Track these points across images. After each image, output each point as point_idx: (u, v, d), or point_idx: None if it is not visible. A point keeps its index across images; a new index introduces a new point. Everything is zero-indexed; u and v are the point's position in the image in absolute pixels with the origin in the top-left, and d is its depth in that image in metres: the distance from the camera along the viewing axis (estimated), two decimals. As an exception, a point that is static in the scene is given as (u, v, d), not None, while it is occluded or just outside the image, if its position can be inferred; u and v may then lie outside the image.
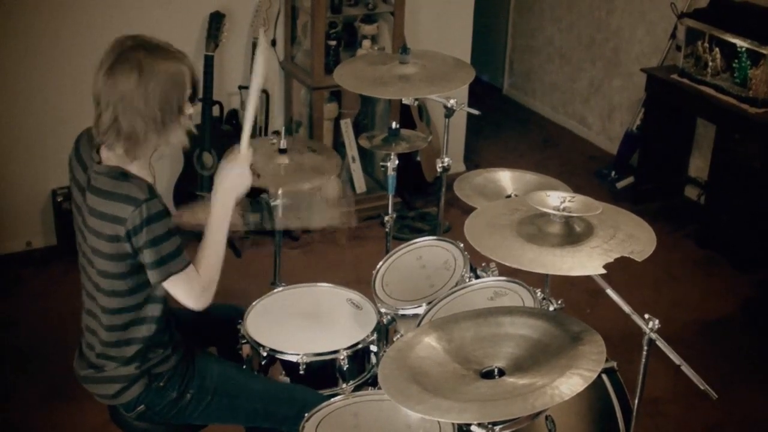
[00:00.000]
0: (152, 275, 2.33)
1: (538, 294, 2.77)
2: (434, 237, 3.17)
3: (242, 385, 2.61)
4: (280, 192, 3.15)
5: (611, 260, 2.12)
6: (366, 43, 4.85)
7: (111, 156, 2.34)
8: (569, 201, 2.26)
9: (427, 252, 3.11)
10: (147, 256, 2.29)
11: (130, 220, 2.24)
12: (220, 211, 2.44)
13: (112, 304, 2.39)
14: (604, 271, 2.09)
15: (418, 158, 5.22)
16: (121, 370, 2.46)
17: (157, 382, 2.49)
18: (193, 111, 2.39)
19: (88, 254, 2.39)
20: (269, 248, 3.68)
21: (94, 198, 2.31)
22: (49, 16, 4.34)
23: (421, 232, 4.78)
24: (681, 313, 4.32)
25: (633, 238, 2.23)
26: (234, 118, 4.82)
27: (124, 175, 2.31)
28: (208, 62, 4.49)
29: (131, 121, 2.25)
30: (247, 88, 4.64)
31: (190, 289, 2.37)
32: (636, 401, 2.28)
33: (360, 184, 5.08)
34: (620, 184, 5.53)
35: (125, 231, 2.26)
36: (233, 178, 2.45)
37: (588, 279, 2.17)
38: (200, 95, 2.42)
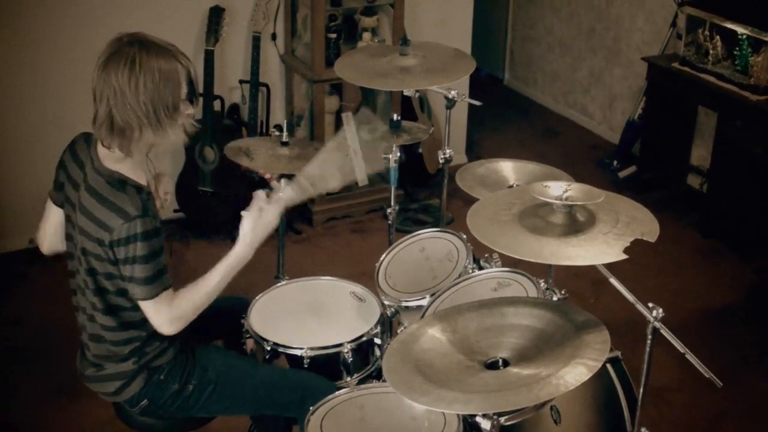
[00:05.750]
0: (127, 288, 2.35)
1: (542, 284, 2.77)
2: (437, 229, 3.17)
3: (244, 373, 2.61)
4: (282, 183, 3.15)
5: (628, 244, 2.11)
6: (366, 35, 4.85)
7: (108, 154, 2.35)
8: (570, 190, 2.26)
9: (430, 244, 3.11)
10: (123, 270, 2.31)
11: (116, 232, 2.26)
12: (239, 262, 2.45)
13: (105, 303, 2.40)
14: (625, 256, 2.08)
15: (420, 150, 5.22)
16: (120, 366, 2.47)
17: (157, 376, 2.49)
18: (192, 111, 2.38)
19: (77, 253, 2.40)
20: (272, 242, 3.67)
21: (88, 197, 2.32)
22: (49, 14, 4.33)
23: (423, 224, 4.78)
24: (685, 302, 4.32)
25: (636, 220, 2.23)
26: (235, 113, 4.82)
27: (121, 183, 2.31)
28: (209, 57, 4.49)
29: (124, 115, 2.26)
30: (248, 82, 4.66)
31: (154, 317, 2.36)
32: (641, 390, 2.27)
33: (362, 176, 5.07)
34: (622, 174, 5.53)
35: (109, 240, 2.27)
36: (264, 229, 2.46)
37: (592, 269, 2.16)
38: (199, 96, 2.40)
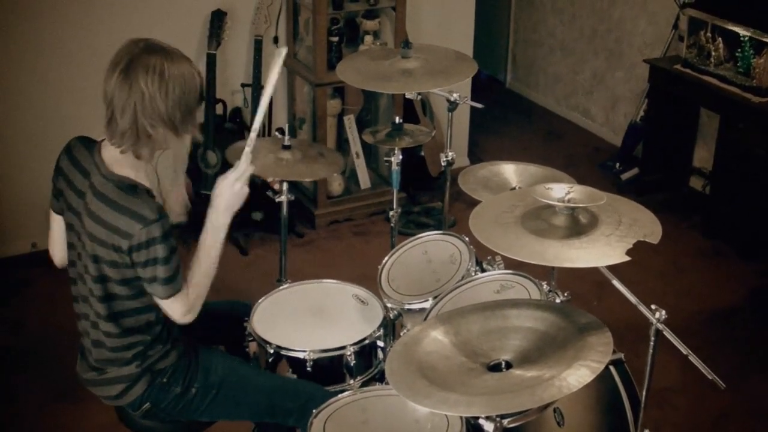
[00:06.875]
0: (147, 288, 2.36)
1: (545, 286, 2.76)
2: (439, 231, 3.17)
3: (247, 379, 2.61)
4: (285, 187, 3.15)
5: (630, 246, 2.11)
6: (368, 38, 4.85)
7: (116, 159, 2.34)
8: (572, 192, 2.26)
9: (433, 246, 3.11)
10: (143, 273, 2.32)
11: (136, 237, 2.26)
12: (217, 231, 2.44)
13: (111, 309, 2.39)
14: (628, 258, 2.08)
15: (422, 153, 5.21)
16: (123, 370, 2.47)
17: (160, 378, 2.49)
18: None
19: (84, 260, 2.39)
20: (275, 246, 3.68)
21: (98, 203, 2.31)
22: (51, 17, 4.33)
23: (426, 227, 4.78)
24: (688, 304, 4.31)
25: (638, 222, 2.23)
26: (237, 116, 4.82)
27: (133, 188, 2.31)
28: (211, 60, 4.49)
29: (153, 122, 2.26)
30: (249, 85, 4.66)
31: (174, 312, 2.40)
32: (644, 392, 2.28)
33: (364, 179, 5.07)
34: (625, 176, 5.52)
35: (128, 245, 2.27)
36: (231, 196, 2.43)
37: (594, 271, 2.16)
38: (204, 98, 2.42)
